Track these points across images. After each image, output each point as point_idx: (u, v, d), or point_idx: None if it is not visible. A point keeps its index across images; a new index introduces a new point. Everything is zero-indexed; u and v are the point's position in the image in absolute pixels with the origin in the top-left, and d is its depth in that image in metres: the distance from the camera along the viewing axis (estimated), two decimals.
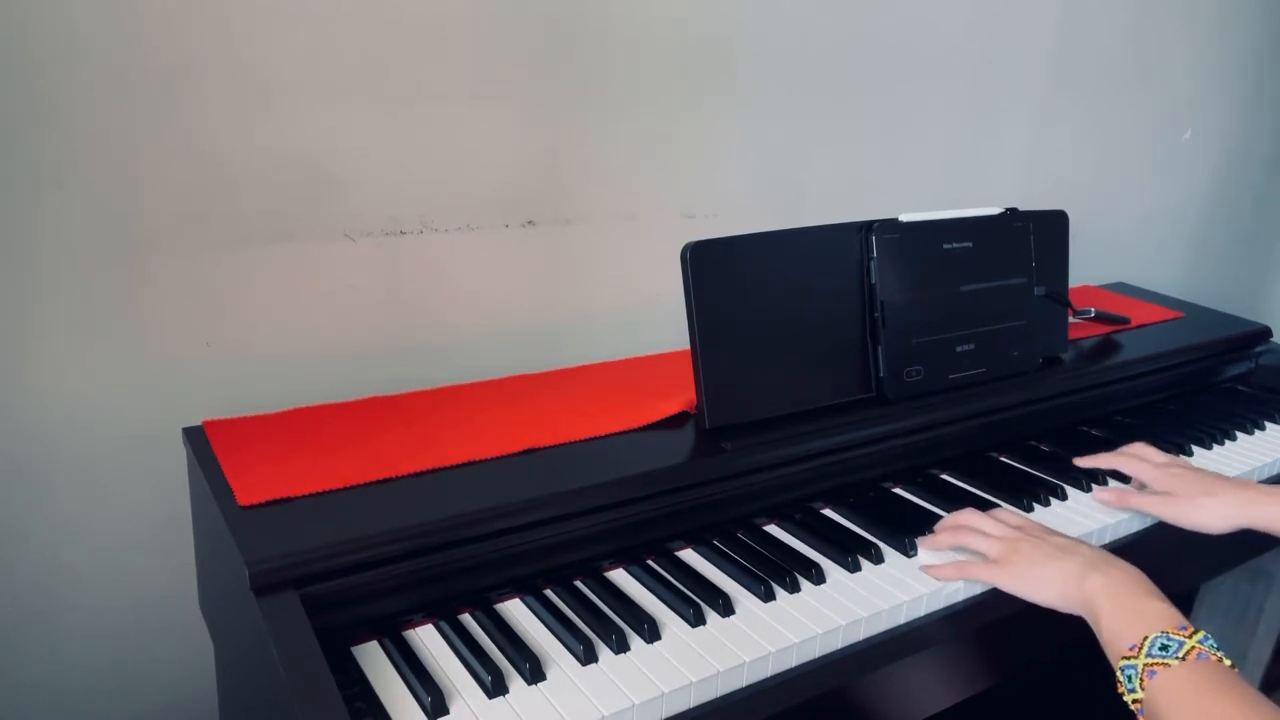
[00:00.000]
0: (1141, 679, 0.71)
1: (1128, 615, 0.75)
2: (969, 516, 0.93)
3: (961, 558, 0.90)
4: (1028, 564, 0.85)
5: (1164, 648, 0.71)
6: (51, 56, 0.89)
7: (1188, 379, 1.36)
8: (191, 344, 1.02)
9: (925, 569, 0.89)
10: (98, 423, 1.00)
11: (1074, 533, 0.96)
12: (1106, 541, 1.00)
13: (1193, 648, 0.70)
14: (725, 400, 0.95)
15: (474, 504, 0.81)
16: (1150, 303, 1.53)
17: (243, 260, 1.03)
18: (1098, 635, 0.78)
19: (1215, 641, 0.72)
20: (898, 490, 1.05)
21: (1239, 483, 0.98)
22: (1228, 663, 0.70)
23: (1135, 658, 0.72)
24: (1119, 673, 0.73)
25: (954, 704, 0.88)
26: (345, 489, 0.83)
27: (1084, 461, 1.08)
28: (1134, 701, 0.71)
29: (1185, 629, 0.72)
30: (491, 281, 1.19)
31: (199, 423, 0.93)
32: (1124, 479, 1.08)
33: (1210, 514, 0.95)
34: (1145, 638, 0.72)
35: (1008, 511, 0.96)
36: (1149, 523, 1.02)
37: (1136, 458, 1.06)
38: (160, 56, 0.93)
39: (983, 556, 0.89)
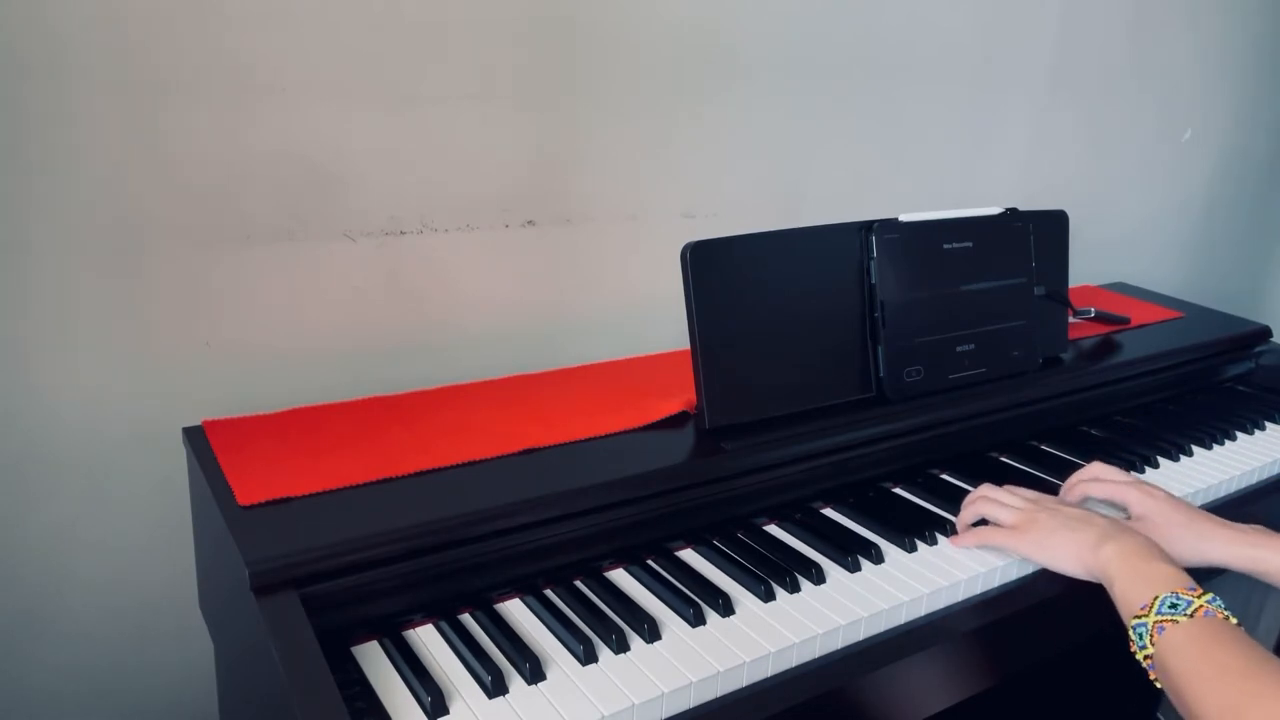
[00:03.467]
0: (1152, 635, 0.74)
1: (1139, 578, 0.79)
2: (986, 489, 0.97)
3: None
4: (1045, 532, 0.88)
5: (1173, 605, 0.74)
6: (52, 58, 0.89)
7: (1188, 379, 1.36)
8: (191, 344, 1.02)
9: (952, 540, 0.94)
10: (98, 423, 1.00)
11: None
12: None
13: (1200, 606, 0.74)
14: (725, 400, 0.95)
15: (474, 504, 0.81)
16: (1150, 303, 1.53)
17: (243, 260, 1.03)
18: (1112, 598, 0.81)
19: (1223, 602, 0.74)
20: (898, 490, 1.05)
21: (1217, 520, 0.92)
22: (1234, 620, 0.73)
23: (1146, 616, 0.75)
24: (1131, 631, 0.76)
25: (954, 704, 0.88)
26: (345, 489, 0.83)
27: (1072, 495, 1.01)
28: (1145, 657, 0.75)
29: (1194, 589, 0.76)
30: (491, 281, 1.19)
31: (199, 423, 0.93)
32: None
33: (1181, 545, 0.90)
34: (1156, 597, 0.76)
35: (1022, 489, 0.97)
36: None
37: (1096, 480, 0.99)
38: (161, 56, 0.93)
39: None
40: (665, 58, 1.21)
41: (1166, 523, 0.92)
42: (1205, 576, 0.81)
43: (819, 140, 1.39)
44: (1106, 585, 0.82)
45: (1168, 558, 0.81)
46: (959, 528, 0.96)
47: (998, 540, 0.91)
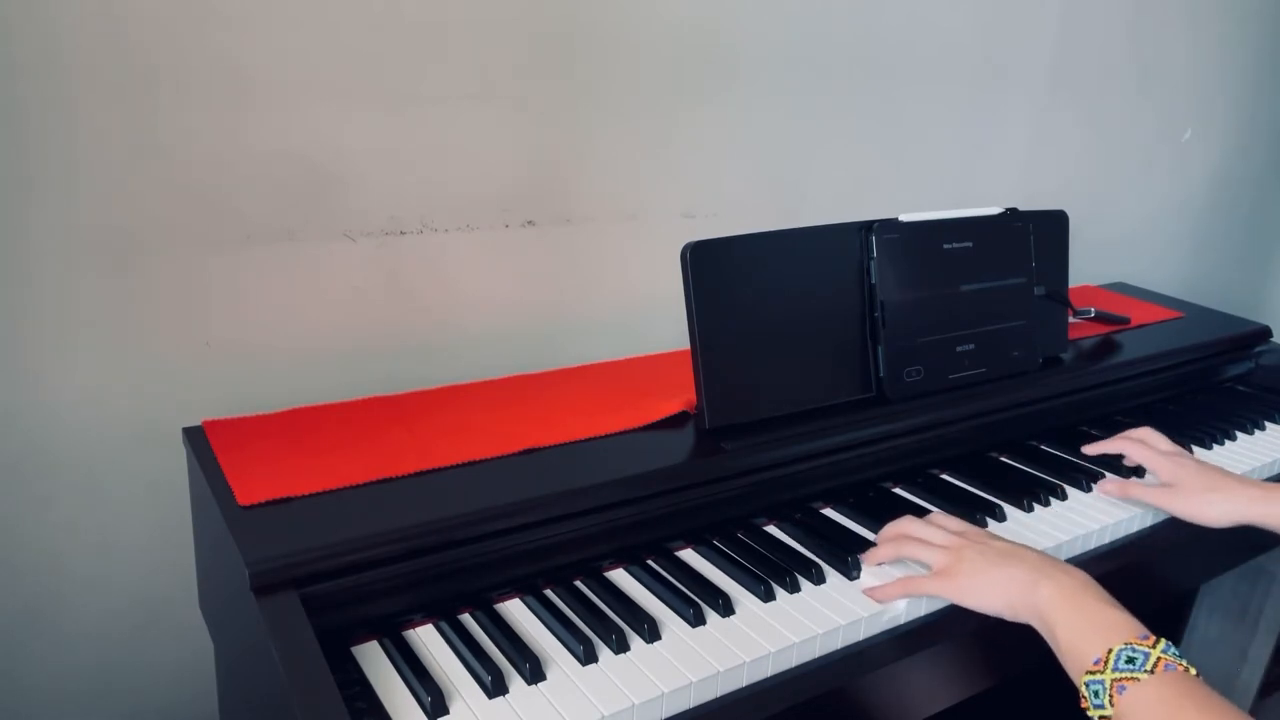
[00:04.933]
0: (1111, 695, 0.68)
1: (1086, 626, 0.73)
2: (908, 525, 0.89)
3: (900, 573, 0.87)
4: (972, 573, 0.82)
5: (1130, 660, 0.69)
6: (51, 58, 0.89)
7: (1188, 379, 1.36)
8: (191, 344, 1.02)
9: (867, 591, 0.85)
10: (98, 423, 1.00)
11: (1076, 533, 0.97)
12: (1107, 541, 1.00)
13: (1159, 659, 0.68)
14: (725, 400, 0.95)
15: (474, 504, 0.81)
16: (1150, 303, 1.53)
17: (243, 260, 1.03)
18: (1053, 646, 0.76)
19: (1177, 650, 0.70)
20: (898, 490, 1.05)
21: (1242, 479, 0.99)
22: (1193, 672, 0.69)
23: (1101, 672, 0.69)
24: (1084, 688, 0.71)
25: (954, 704, 0.88)
26: (345, 489, 0.83)
27: (1090, 448, 1.10)
28: (1102, 718, 0.69)
29: (1147, 638, 0.71)
30: (491, 281, 1.19)
31: (199, 423, 0.93)
32: (1127, 470, 1.09)
33: (1214, 509, 0.96)
34: (1110, 650, 0.70)
35: (947, 517, 0.92)
36: (1149, 522, 1.02)
37: (1142, 443, 1.06)
38: (161, 56, 0.93)
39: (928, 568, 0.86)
40: (665, 58, 1.22)
41: (1197, 486, 0.97)
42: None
43: (819, 140, 1.39)
44: (1044, 631, 0.76)
45: (1111, 599, 0.75)
46: (870, 561, 0.88)
47: (923, 589, 0.83)
